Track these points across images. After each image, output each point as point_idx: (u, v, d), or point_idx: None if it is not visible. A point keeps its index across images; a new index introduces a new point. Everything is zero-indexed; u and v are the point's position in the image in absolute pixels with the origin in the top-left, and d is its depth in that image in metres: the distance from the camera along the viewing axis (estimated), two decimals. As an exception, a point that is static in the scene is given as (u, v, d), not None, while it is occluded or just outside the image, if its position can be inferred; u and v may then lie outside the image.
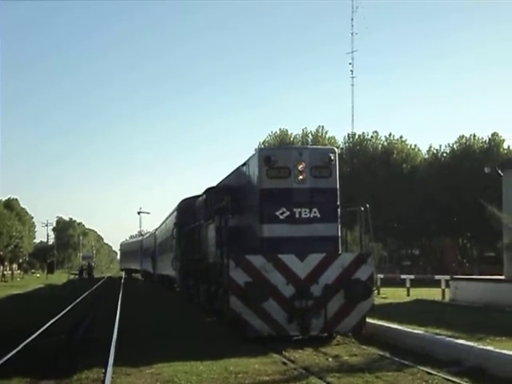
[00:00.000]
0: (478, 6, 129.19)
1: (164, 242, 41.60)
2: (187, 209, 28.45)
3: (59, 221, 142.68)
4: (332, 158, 16.30)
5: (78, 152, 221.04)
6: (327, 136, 68.01)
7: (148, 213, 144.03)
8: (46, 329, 19.07)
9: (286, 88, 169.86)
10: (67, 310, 26.40)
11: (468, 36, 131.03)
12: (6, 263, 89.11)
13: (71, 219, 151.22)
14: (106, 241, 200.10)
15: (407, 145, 68.51)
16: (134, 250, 73.83)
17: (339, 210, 16.46)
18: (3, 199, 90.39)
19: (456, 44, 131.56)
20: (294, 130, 70.06)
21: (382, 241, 53.78)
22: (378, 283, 26.68)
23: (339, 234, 16.55)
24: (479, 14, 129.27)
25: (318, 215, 15.95)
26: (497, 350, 12.26)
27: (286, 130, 69.44)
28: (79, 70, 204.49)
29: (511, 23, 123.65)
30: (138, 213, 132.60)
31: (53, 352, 14.62)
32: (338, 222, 16.38)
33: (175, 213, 33.86)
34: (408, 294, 31.25)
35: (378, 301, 18.10)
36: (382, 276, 34.25)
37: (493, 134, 65.44)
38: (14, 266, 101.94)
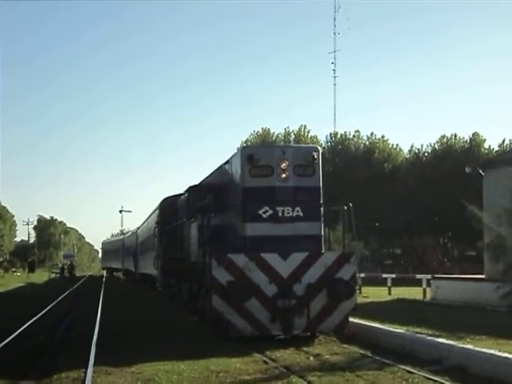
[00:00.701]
0: (461, 2, 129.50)
1: (146, 241, 41.47)
2: (169, 207, 28.38)
3: (40, 219, 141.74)
4: (315, 156, 16.25)
5: (59, 153, 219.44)
6: (309, 135, 68.25)
7: (130, 211, 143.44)
8: (25, 328, 18.92)
9: (268, 87, 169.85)
10: (48, 308, 26.23)
11: (451, 34, 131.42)
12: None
13: (52, 218, 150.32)
14: (87, 239, 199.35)
15: (389, 144, 68.90)
16: (116, 248, 73.56)
17: (322, 208, 16.42)
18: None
19: (438, 42, 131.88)
20: (277, 129, 70.31)
21: (364, 240, 53.91)
22: (360, 282, 26.71)
23: (322, 232, 16.50)
24: (462, 11, 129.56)
25: (301, 214, 15.87)
26: (477, 349, 12.31)
27: (269, 130, 69.67)
28: (61, 75, 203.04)
29: (494, 19, 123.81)
30: (120, 211, 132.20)
31: (33, 351, 14.49)
32: (321, 221, 16.34)
33: (157, 211, 33.76)
34: (389, 293, 31.38)
35: (359, 300, 18.11)
36: (363, 275, 34.30)
37: (474, 134, 65.99)
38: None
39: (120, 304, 28.09)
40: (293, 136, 67.67)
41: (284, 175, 15.85)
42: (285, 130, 69.08)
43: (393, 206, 60.40)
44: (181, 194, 24.96)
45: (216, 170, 19.30)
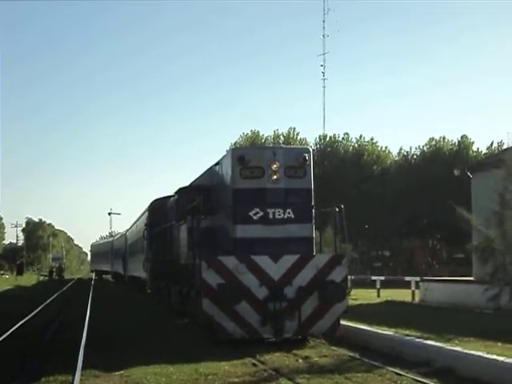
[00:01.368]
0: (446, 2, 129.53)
1: (135, 243, 41.36)
2: (158, 209, 28.29)
3: (29, 222, 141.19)
4: (306, 157, 16.11)
5: (47, 156, 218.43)
6: (299, 137, 68.36)
7: (119, 214, 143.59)
8: (14, 330, 18.84)
9: (257, 88, 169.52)
10: (36, 311, 26.13)
11: (437, 32, 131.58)
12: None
13: (41, 220, 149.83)
14: (76, 242, 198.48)
15: (378, 147, 69.10)
16: (105, 251, 73.38)
17: (313, 210, 16.32)
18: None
19: (424, 41, 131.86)
20: (266, 132, 70.35)
21: (353, 242, 53.99)
22: (349, 285, 26.73)
23: (313, 235, 16.42)
24: (448, 8, 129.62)
25: (292, 216, 15.74)
26: (465, 351, 12.36)
27: (258, 132, 69.73)
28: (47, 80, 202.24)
29: (480, 15, 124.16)
30: (109, 214, 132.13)
31: (21, 354, 14.42)
32: (312, 223, 16.21)
33: (146, 213, 33.65)
34: (378, 295, 31.47)
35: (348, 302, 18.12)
36: (352, 277, 34.30)
37: (462, 137, 66.32)
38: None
39: (109, 307, 27.99)
40: (282, 138, 67.76)
41: (275, 177, 15.72)
42: (274, 132, 69.26)
43: (382, 208, 60.58)
44: (170, 196, 24.88)
45: (206, 172, 19.15)
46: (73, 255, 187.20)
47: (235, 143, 68.04)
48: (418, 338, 14.27)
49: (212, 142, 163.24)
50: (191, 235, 17.61)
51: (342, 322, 16.52)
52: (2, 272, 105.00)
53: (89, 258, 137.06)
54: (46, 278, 77.92)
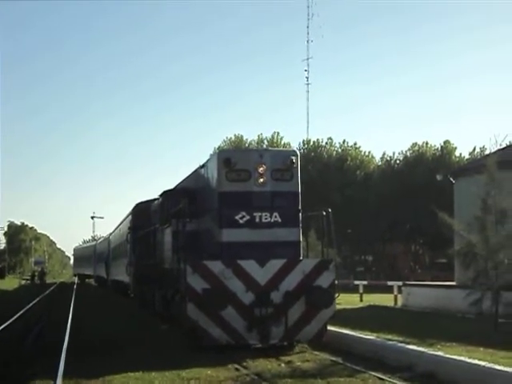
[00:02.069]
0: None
1: (118, 247, 41.20)
2: (142, 213, 28.09)
3: (11, 225, 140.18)
4: (294, 160, 15.92)
5: (28, 155, 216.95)
6: (282, 142, 68.46)
7: (102, 218, 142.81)
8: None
9: (240, 92, 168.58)
10: (17, 316, 25.92)
11: (420, 33, 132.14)
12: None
13: (23, 223, 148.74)
14: (58, 246, 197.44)
15: (361, 152, 69.35)
16: (88, 255, 73.03)
17: (301, 214, 16.10)
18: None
19: (411, 42, 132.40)
20: (250, 136, 70.41)
21: (336, 247, 54.03)
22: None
23: (301, 239, 16.20)
24: (435, 8, 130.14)
25: (279, 220, 15.51)
26: (447, 356, 12.41)
27: (242, 136, 69.72)
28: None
29: (468, 15, 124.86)
30: (92, 217, 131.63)
31: (1, 360, 14.30)
32: (299, 227, 15.97)
33: (130, 217, 33.48)
34: (361, 300, 31.55)
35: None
36: (336, 282, 34.40)
37: (445, 142, 66.74)
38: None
39: (91, 311, 27.81)
40: (266, 143, 67.85)
41: (262, 180, 15.50)
42: (258, 136, 69.36)
43: (365, 213, 60.76)
44: (155, 199, 24.75)
45: (191, 174, 18.92)
46: (55, 259, 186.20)
47: (219, 148, 67.95)
48: (401, 342, 14.30)
49: (196, 148, 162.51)
50: (176, 239, 17.28)
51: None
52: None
53: (71, 261, 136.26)
54: (28, 281, 77.38)
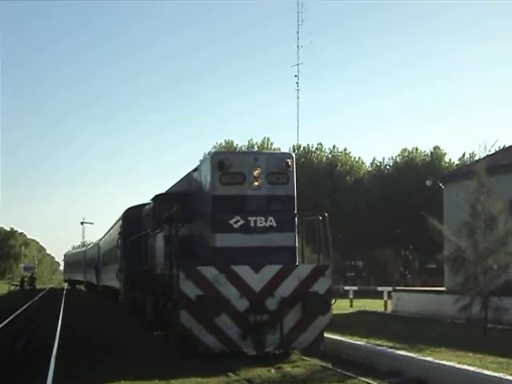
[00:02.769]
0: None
1: (108, 253, 41.04)
2: (133, 217, 27.86)
3: (0, 231, 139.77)
4: (289, 163, 15.49)
5: (17, 162, 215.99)
6: (273, 147, 68.46)
7: (91, 223, 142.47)
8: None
9: (229, 96, 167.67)
10: (6, 322, 25.80)
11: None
12: None
13: (12, 229, 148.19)
14: (48, 251, 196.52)
15: (351, 157, 69.44)
16: (78, 260, 72.86)
17: (296, 218, 15.78)
18: None
19: (400, 41, 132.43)
20: (240, 141, 70.37)
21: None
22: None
23: (296, 244, 15.80)
24: (424, 6, 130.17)
25: (274, 224, 15.15)
26: (436, 361, 12.46)
27: (232, 141, 69.67)
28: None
29: (458, 14, 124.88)
30: (82, 223, 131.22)
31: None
32: (295, 232, 15.58)
33: (120, 222, 33.29)
34: (351, 306, 31.58)
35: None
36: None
37: (435, 148, 66.89)
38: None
39: (80, 318, 27.70)
40: (256, 148, 67.81)
41: (256, 183, 15.15)
42: (248, 142, 69.29)
43: (355, 218, 60.81)
44: (145, 204, 24.54)
45: (184, 178, 18.57)
46: (45, 265, 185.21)
47: (208, 153, 67.91)
48: (390, 348, 14.35)
49: (186, 153, 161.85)
50: (168, 244, 16.81)
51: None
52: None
53: (61, 267, 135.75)
54: (18, 287, 77.05)
